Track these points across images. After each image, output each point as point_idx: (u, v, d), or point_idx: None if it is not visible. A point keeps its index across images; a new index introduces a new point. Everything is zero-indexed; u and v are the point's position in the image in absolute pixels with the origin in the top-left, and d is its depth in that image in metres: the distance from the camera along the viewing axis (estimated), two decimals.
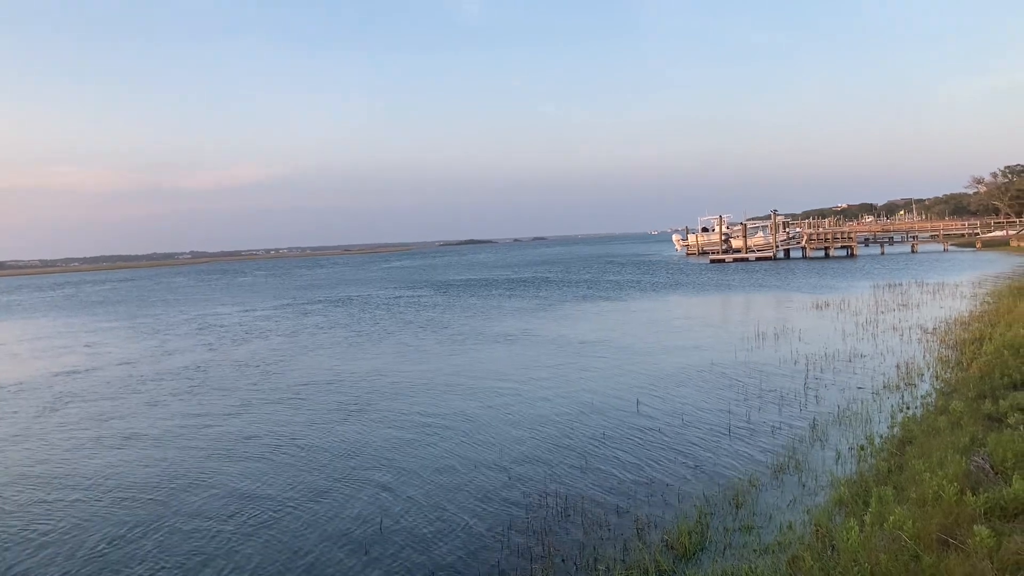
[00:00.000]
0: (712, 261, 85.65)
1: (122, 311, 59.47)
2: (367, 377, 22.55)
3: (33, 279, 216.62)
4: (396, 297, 57.16)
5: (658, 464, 12.51)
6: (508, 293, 55.17)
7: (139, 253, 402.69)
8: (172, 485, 12.84)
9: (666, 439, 13.98)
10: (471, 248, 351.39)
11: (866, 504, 8.73)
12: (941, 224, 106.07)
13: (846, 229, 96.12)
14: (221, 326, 41.64)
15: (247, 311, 51.72)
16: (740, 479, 11.32)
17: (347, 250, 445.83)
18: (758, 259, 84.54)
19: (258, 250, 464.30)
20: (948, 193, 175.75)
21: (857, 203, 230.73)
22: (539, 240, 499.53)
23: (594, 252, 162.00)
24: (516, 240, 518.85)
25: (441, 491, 11.74)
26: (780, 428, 14.23)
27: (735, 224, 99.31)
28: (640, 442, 13.88)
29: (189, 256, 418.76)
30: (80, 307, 68.98)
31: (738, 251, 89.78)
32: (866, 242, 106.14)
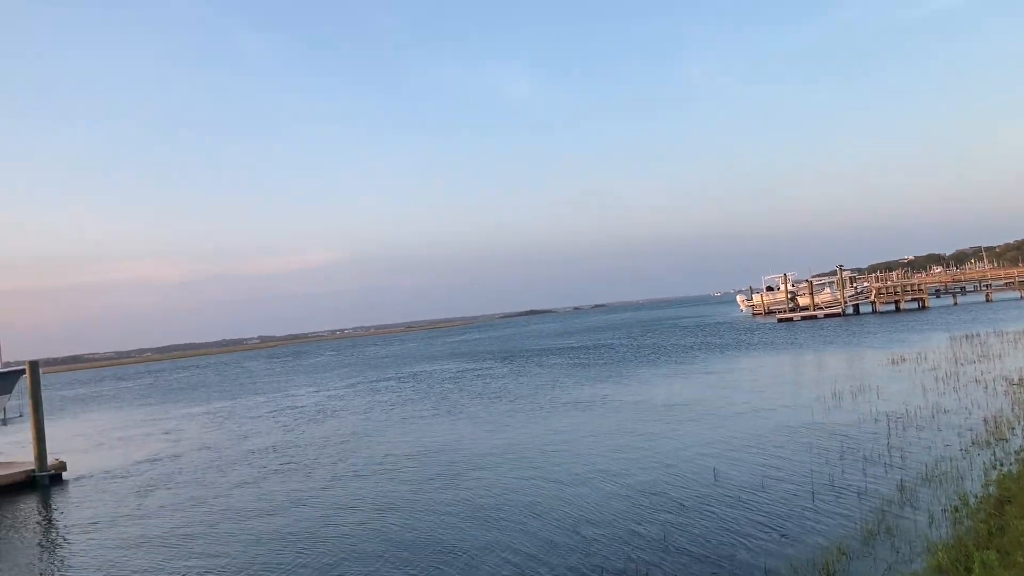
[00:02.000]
0: (780, 320, 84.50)
1: (198, 397, 60.99)
2: (446, 450, 22.79)
3: (111, 370, 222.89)
4: (464, 370, 57.56)
5: (741, 534, 12.35)
6: (574, 361, 55.17)
7: (209, 340, 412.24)
8: (276, 560, 13.13)
9: (747, 507, 13.84)
10: (532, 318, 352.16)
11: (968, 571, 8.46)
12: (1015, 271, 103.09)
13: (915, 281, 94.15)
14: (296, 407, 42.45)
15: (319, 391, 52.63)
16: (828, 547, 11.07)
17: (410, 327, 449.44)
18: (827, 316, 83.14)
19: (324, 331, 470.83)
20: (1020, 239, 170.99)
21: (923, 254, 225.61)
22: (599, 307, 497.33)
23: (657, 316, 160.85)
24: (576, 308, 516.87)
25: (525, 561, 11.80)
26: (866, 491, 13.99)
27: (800, 282, 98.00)
28: (721, 511, 13.75)
29: (257, 340, 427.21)
30: (159, 395, 70.91)
31: (805, 309, 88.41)
32: (937, 293, 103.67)
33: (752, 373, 36.61)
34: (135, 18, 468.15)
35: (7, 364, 32.36)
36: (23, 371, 29.82)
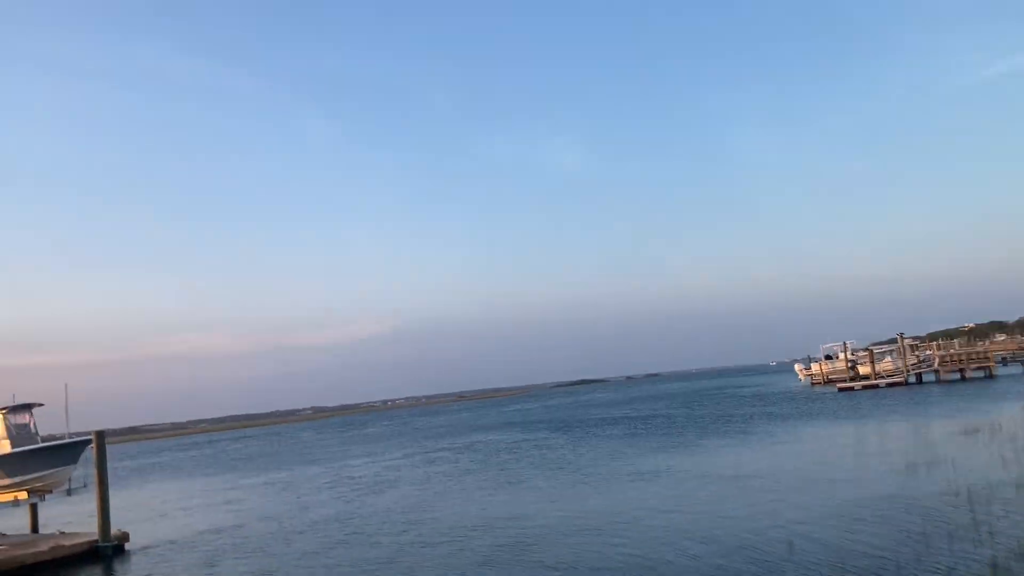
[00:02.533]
0: (840, 389, 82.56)
1: (257, 467, 61.41)
2: (512, 521, 22.54)
3: (170, 441, 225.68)
4: (520, 441, 57.10)
5: None
6: (632, 431, 54.39)
7: (262, 411, 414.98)
8: None
9: None
10: (585, 388, 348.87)
11: None
12: None
13: (981, 349, 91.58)
14: (354, 477, 42.46)
15: (375, 461, 52.63)
16: None
17: (461, 396, 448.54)
18: (889, 385, 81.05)
19: (375, 402, 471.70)
20: None
21: (985, 321, 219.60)
22: (653, 376, 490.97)
23: (712, 386, 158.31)
24: (629, 378, 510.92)
25: None
26: (955, 569, 13.41)
27: (860, 350, 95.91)
28: None
29: (310, 411, 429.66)
30: (218, 465, 71.52)
31: (866, 378, 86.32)
32: (1004, 361, 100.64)
33: (818, 443, 35.72)
34: (195, 107, 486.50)
35: (73, 435, 32.86)
36: (89, 441, 30.30)
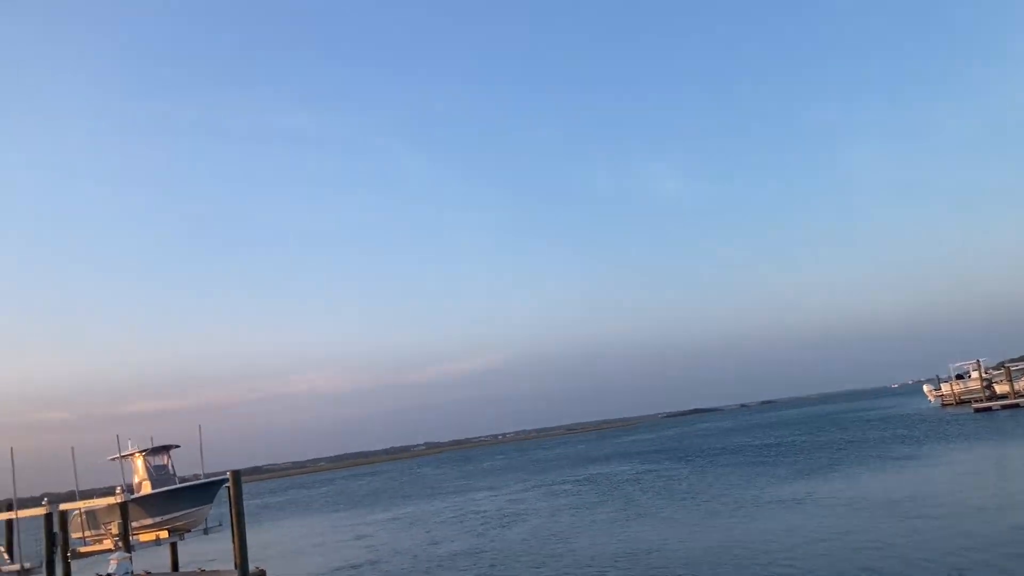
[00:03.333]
0: (977, 410, 77.94)
1: (382, 503, 62.25)
2: (654, 554, 21.91)
3: (290, 480, 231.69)
4: (642, 472, 55.90)
5: None
6: (758, 459, 52.50)
7: (377, 448, 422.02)
8: None
9: None
10: (697, 417, 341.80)
11: None
12: None
13: None
14: (479, 512, 42.40)
15: (498, 495, 52.54)
16: None
17: (571, 430, 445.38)
18: None
19: (486, 436, 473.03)
20: None
21: None
22: (768, 404, 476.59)
23: (835, 410, 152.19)
24: (743, 406, 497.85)
25: None
26: None
27: (990, 367, 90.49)
28: None
29: (423, 447, 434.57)
30: (344, 502, 72.88)
31: (1004, 397, 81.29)
32: None
33: (967, 466, 33.52)
34: (315, 155, 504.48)
35: (208, 475, 33.70)
36: (224, 481, 31.03)
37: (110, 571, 23.43)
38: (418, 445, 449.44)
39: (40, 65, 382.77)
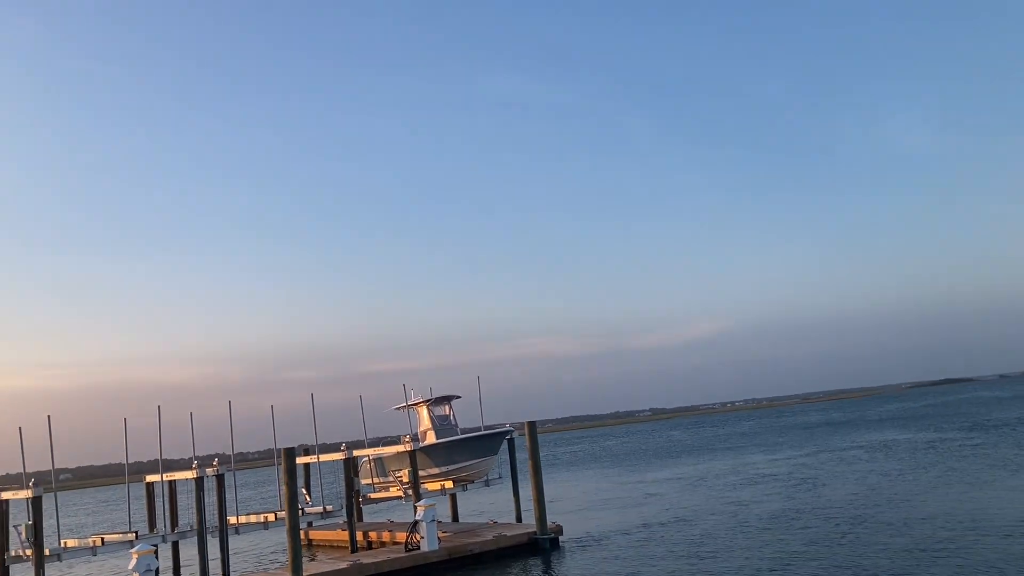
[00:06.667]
0: None
1: (650, 462, 61.83)
2: None
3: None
4: (935, 440, 51.07)
5: None
6: None
7: (603, 412, 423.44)
8: None
9: None
10: (951, 388, 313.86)
11: None
12: None
13: None
14: (767, 474, 40.37)
15: (777, 459, 50.19)
16: None
17: (807, 399, 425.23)
18: None
19: (714, 403, 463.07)
20: None
21: None
22: None
23: None
24: (1002, 376, 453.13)
25: None
26: None
27: None
28: None
29: (649, 413, 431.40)
30: (608, 460, 73.23)
31: None
32: None
33: None
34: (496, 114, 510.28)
35: (489, 427, 32.58)
36: (508, 432, 30.30)
37: (418, 517, 22.79)
38: (643, 411, 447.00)
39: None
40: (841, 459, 44.52)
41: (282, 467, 21.09)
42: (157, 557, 19.09)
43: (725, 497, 32.56)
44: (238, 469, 25.92)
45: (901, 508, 24.15)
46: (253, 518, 25.89)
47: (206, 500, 21.69)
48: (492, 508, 35.42)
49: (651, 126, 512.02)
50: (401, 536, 24.83)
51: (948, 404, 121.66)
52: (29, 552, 19.76)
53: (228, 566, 22.29)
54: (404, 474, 28.21)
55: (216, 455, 28.00)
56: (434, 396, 31.62)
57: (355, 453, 27.72)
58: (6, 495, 20.90)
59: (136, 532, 21.81)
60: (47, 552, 20.15)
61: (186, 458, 24.78)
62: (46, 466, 22.43)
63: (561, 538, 24.96)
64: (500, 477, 31.65)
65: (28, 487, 20.02)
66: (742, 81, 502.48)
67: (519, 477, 29.07)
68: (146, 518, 25.13)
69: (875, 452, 46.59)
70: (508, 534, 24.87)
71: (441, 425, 31.78)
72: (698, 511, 29.28)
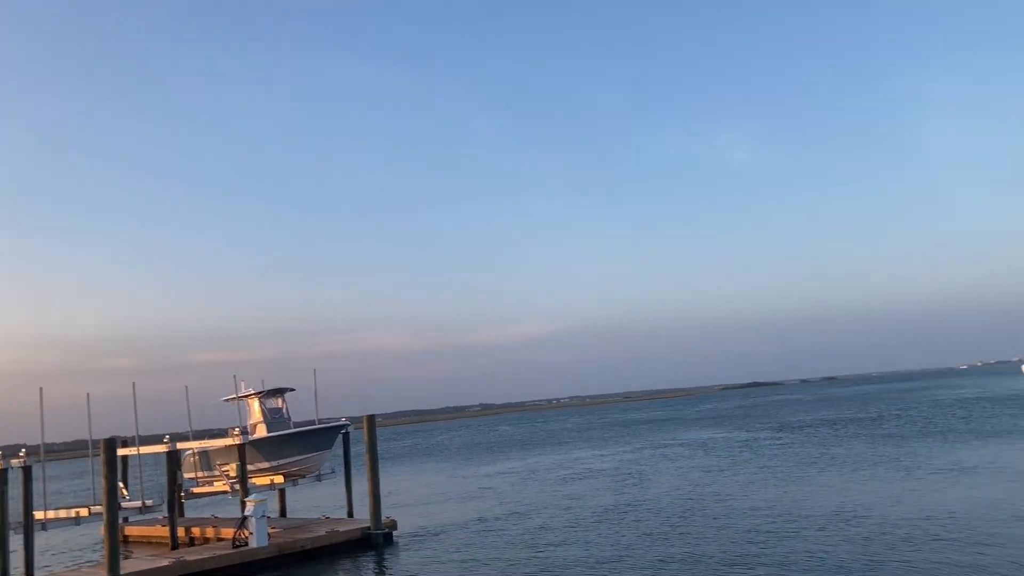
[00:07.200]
0: None
1: (483, 457, 61.93)
2: (861, 519, 20.60)
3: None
4: (750, 440, 54.03)
5: None
6: (877, 432, 49.86)
7: (434, 407, 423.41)
8: None
9: None
10: (759, 391, 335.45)
11: None
12: None
13: None
14: (596, 469, 41.39)
15: (604, 455, 51.47)
16: None
17: (627, 398, 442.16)
18: None
19: (540, 400, 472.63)
20: None
21: None
22: (830, 380, 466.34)
23: (913, 388, 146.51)
24: (804, 381, 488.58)
25: None
26: None
27: None
28: None
29: (478, 408, 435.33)
30: (438, 455, 73.09)
31: None
32: None
33: None
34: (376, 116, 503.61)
35: (324, 420, 31.67)
36: (343, 427, 29.68)
37: (247, 513, 21.92)
38: (473, 406, 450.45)
39: None
40: (664, 456, 46.28)
41: (100, 458, 19.69)
42: None
43: (558, 491, 33.05)
44: (48, 460, 23.99)
45: (725, 502, 25.33)
46: (63, 513, 24.04)
47: (9, 494, 20.05)
48: (324, 503, 34.63)
49: (491, 126, 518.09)
50: (227, 532, 23.80)
51: (757, 406, 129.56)
52: None
53: (32, 565, 20.70)
54: (231, 468, 27.07)
55: (23, 445, 25.69)
56: (266, 388, 30.55)
57: (179, 446, 26.36)
58: None
59: None
60: None
61: None
62: None
63: (396, 533, 24.60)
64: (333, 472, 30.93)
65: None
66: (585, 88, 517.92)
67: (352, 472, 28.61)
68: None
69: (695, 449, 48.82)
70: (341, 529, 24.25)
71: (273, 418, 30.65)
72: (532, 504, 29.55)
